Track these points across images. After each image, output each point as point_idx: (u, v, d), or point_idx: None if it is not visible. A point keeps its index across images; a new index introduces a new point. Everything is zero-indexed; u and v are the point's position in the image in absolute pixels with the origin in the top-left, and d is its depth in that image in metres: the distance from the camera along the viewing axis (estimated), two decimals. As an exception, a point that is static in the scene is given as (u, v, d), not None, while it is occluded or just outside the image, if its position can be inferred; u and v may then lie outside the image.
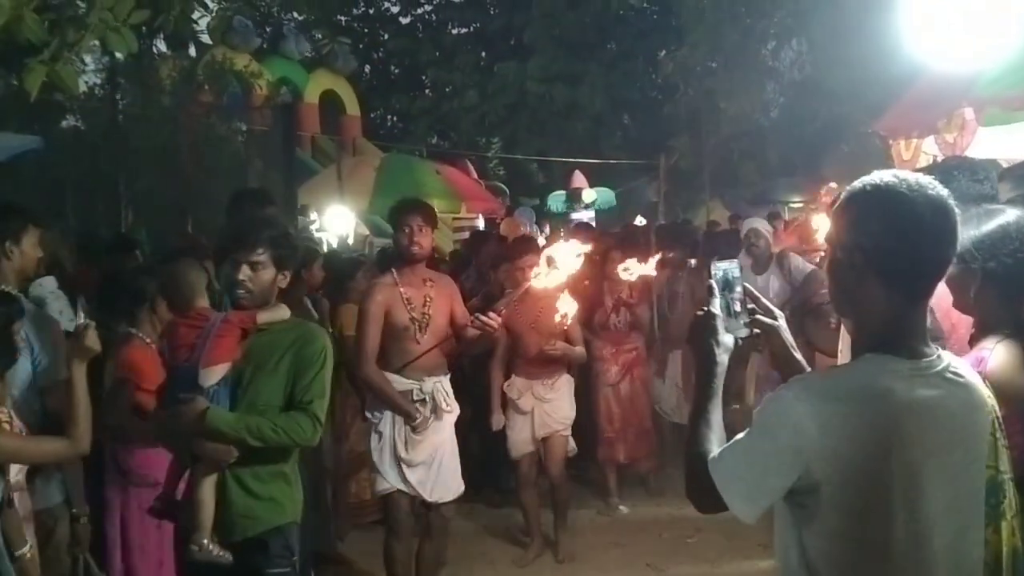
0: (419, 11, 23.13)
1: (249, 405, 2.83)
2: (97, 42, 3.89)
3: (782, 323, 1.86)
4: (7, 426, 2.82)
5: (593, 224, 12.19)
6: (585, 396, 5.72)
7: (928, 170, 2.45)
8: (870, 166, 1.67)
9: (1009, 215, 2.05)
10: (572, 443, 5.23)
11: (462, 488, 4.30)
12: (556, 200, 15.96)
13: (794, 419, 1.52)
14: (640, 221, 11.59)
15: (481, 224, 12.42)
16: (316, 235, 9.90)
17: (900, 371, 1.56)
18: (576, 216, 13.80)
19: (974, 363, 1.90)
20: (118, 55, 7.67)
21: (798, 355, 1.86)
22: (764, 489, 1.56)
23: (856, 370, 1.60)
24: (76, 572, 3.33)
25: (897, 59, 5.18)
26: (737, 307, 1.79)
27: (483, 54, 21.59)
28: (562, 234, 4.99)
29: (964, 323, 2.19)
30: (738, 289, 1.80)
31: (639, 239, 6.76)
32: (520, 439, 5.12)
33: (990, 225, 2.04)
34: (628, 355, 6.09)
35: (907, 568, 1.56)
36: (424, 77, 22.40)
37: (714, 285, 1.79)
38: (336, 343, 4.82)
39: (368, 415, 4.25)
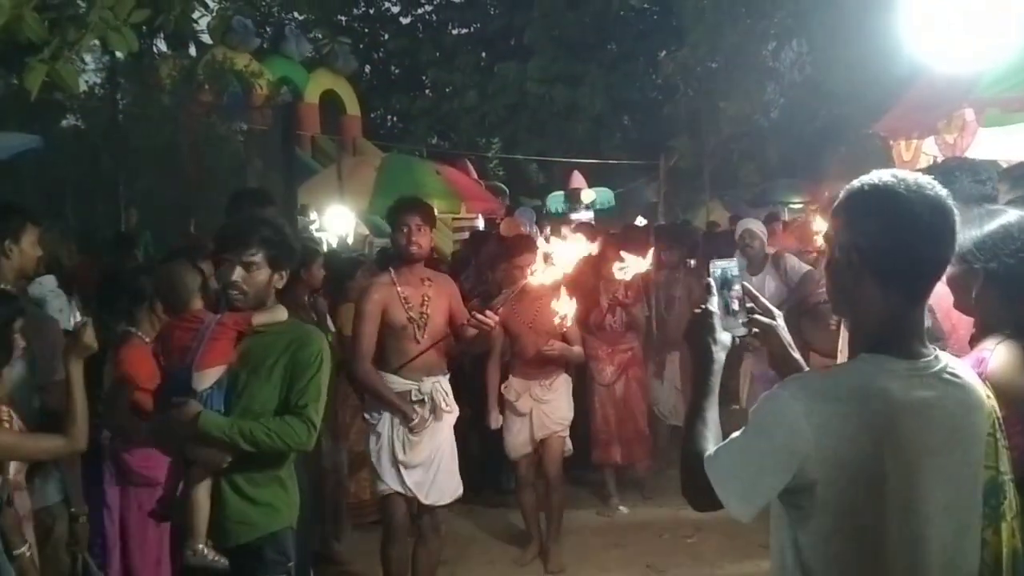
0: (419, 11, 23.14)
1: (244, 409, 2.79)
2: (97, 41, 3.89)
3: (780, 322, 1.86)
4: (6, 424, 2.83)
5: (593, 224, 12.17)
6: (580, 396, 5.72)
7: (929, 171, 2.45)
8: (870, 167, 1.67)
9: (1011, 215, 2.06)
10: (569, 443, 5.21)
11: (459, 491, 4.28)
12: (555, 200, 15.95)
13: (790, 418, 1.52)
14: (641, 221, 11.58)
15: (481, 224, 12.40)
16: (316, 235, 9.89)
17: (897, 371, 1.56)
18: (576, 217, 13.79)
19: (975, 364, 1.90)
20: (118, 54, 7.67)
21: (796, 354, 1.86)
22: (759, 488, 1.56)
23: (853, 370, 1.60)
24: (75, 571, 3.34)
25: (897, 60, 5.18)
26: (735, 306, 1.79)
27: (483, 54, 21.59)
28: (564, 234, 4.97)
29: (964, 324, 2.19)
30: (736, 288, 1.80)
31: (638, 239, 6.74)
32: (518, 441, 5.09)
33: (992, 225, 2.04)
34: (624, 355, 6.07)
35: (903, 569, 1.55)
36: (424, 77, 22.40)
37: (712, 283, 1.79)
38: (338, 343, 4.84)
39: (366, 416, 4.23)
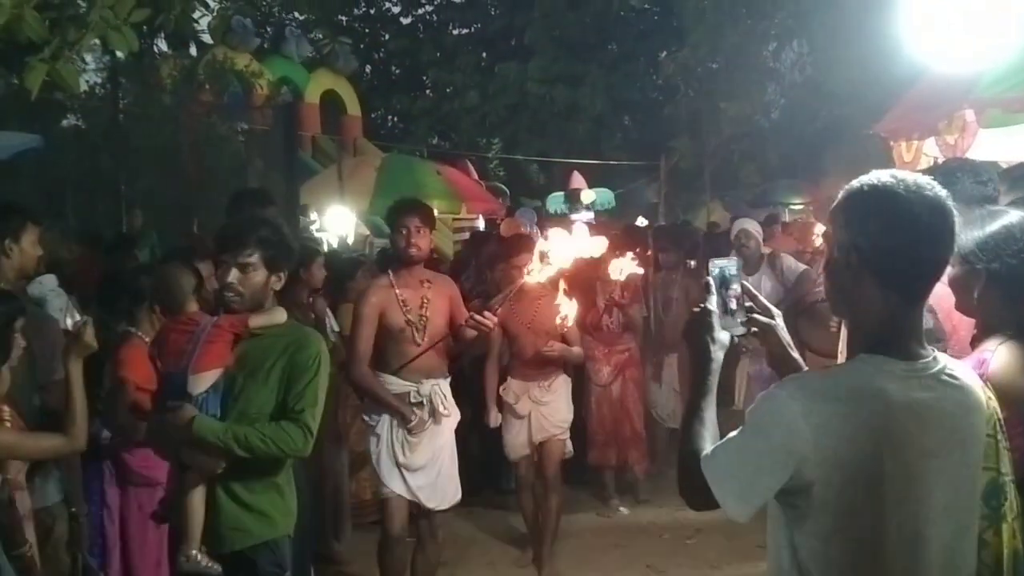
0: (420, 12, 23.12)
1: (240, 413, 2.75)
2: (98, 41, 3.89)
3: (779, 322, 1.86)
4: (7, 423, 2.83)
5: (594, 224, 12.17)
6: (577, 397, 5.69)
7: (930, 172, 2.45)
8: (871, 167, 1.66)
9: (1013, 216, 2.06)
10: (569, 445, 5.16)
11: (458, 496, 4.26)
12: (555, 201, 15.95)
13: (787, 418, 1.52)
14: (641, 222, 11.59)
15: (481, 225, 12.40)
16: (316, 235, 9.89)
17: (895, 372, 1.56)
18: (576, 217, 13.78)
19: (976, 365, 1.90)
20: (119, 54, 7.66)
21: (795, 354, 1.86)
22: (756, 488, 1.56)
23: (850, 370, 1.60)
24: (75, 571, 3.33)
25: (898, 60, 5.17)
26: (733, 305, 1.79)
27: (484, 55, 21.57)
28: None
29: (965, 325, 2.19)
30: (735, 287, 1.79)
31: (638, 239, 6.73)
32: (517, 443, 5.05)
33: (994, 226, 2.04)
34: (621, 356, 6.05)
35: (902, 569, 1.55)
36: (425, 77, 22.38)
37: (711, 282, 1.79)
38: (341, 343, 4.82)
39: (365, 418, 4.21)
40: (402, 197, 4.38)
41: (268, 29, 18.40)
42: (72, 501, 3.35)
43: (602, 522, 5.93)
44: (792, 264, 6.06)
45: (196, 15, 4.74)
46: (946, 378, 1.60)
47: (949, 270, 2.05)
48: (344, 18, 22.58)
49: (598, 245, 3.50)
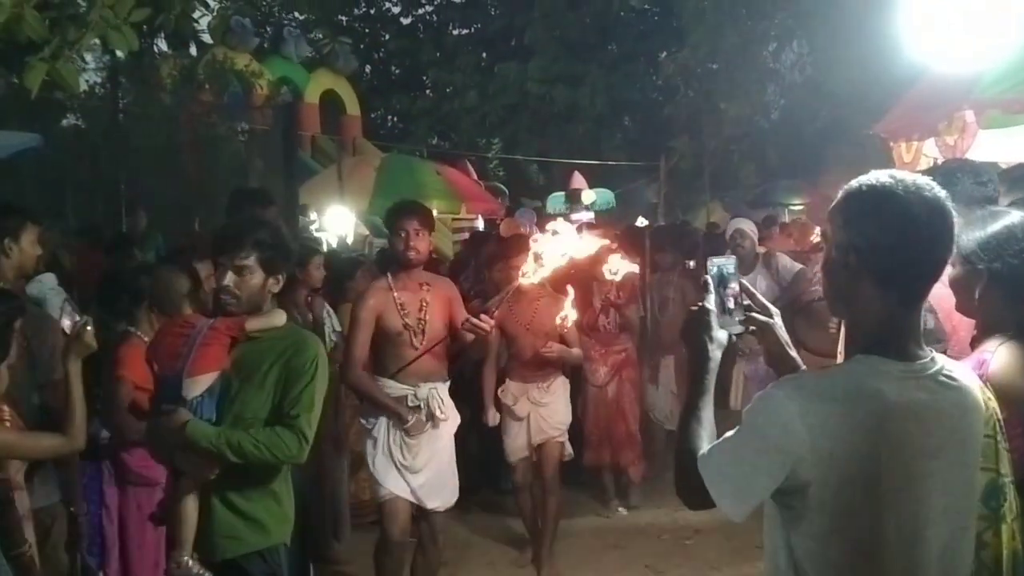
0: (420, 12, 23.12)
1: (236, 418, 2.70)
2: (98, 40, 3.88)
3: (777, 320, 1.85)
4: (7, 422, 2.83)
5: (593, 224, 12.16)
6: (573, 398, 5.67)
7: (930, 172, 2.46)
8: (871, 168, 1.66)
9: (1015, 216, 2.06)
10: (568, 448, 5.14)
11: (455, 497, 4.22)
12: (555, 201, 15.95)
13: (784, 418, 1.52)
14: (642, 222, 11.60)
15: (481, 225, 12.40)
16: (316, 235, 9.89)
17: (891, 373, 1.56)
18: (576, 217, 13.78)
19: (976, 366, 1.90)
20: (119, 54, 7.65)
21: (793, 352, 1.85)
22: (752, 488, 1.56)
23: (847, 371, 1.60)
24: (73, 570, 3.33)
25: (898, 61, 5.17)
26: (731, 304, 1.79)
27: (484, 55, 21.56)
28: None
29: (965, 325, 2.19)
30: (733, 285, 1.79)
31: (634, 240, 6.72)
32: (516, 445, 5.02)
33: (995, 226, 2.04)
34: (617, 356, 6.02)
35: (901, 570, 1.55)
36: (425, 77, 22.38)
37: (709, 281, 1.79)
38: (342, 342, 4.81)
39: (363, 421, 4.18)
40: (401, 199, 4.31)
41: (268, 29, 18.39)
42: (71, 501, 3.35)
43: (601, 523, 5.93)
44: (787, 263, 6.06)
45: (196, 15, 4.73)
46: (944, 379, 1.60)
47: (950, 270, 2.06)
48: (344, 18, 22.57)
49: (591, 244, 3.44)
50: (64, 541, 3.31)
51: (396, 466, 4.01)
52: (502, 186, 17.36)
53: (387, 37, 23.38)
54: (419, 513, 4.15)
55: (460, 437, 4.43)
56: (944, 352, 1.87)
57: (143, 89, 11.66)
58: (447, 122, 20.96)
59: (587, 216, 14.14)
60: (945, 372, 1.61)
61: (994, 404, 1.72)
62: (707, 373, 1.72)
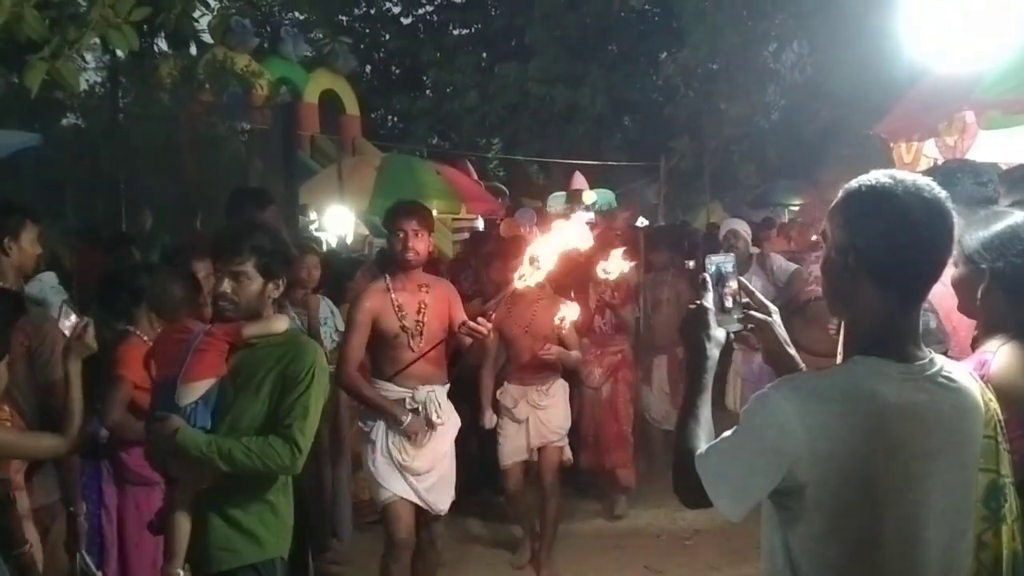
0: (420, 11, 23.10)
1: (231, 426, 2.64)
2: (98, 40, 3.88)
3: (776, 318, 1.85)
4: (7, 422, 2.83)
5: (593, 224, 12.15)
6: (570, 399, 5.64)
7: (930, 173, 2.46)
8: (871, 168, 1.66)
9: (1018, 216, 2.06)
10: (568, 453, 5.10)
11: (452, 498, 4.16)
12: (556, 201, 15.95)
13: (781, 419, 1.52)
14: (642, 222, 11.60)
15: (481, 225, 12.40)
16: (315, 234, 9.88)
17: (889, 374, 1.55)
18: (575, 217, 13.76)
19: (977, 366, 1.90)
20: (119, 53, 7.65)
21: (791, 350, 1.85)
22: (749, 488, 1.56)
23: (845, 372, 1.60)
24: (72, 569, 3.33)
25: (898, 61, 5.19)
26: (729, 302, 1.78)
27: (484, 55, 21.55)
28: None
29: (965, 325, 2.19)
30: (731, 284, 1.79)
31: (632, 239, 6.71)
32: (513, 447, 4.97)
33: (999, 225, 2.04)
34: (613, 358, 5.97)
35: (898, 571, 1.55)
36: (425, 77, 22.36)
37: (708, 279, 1.78)
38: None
39: (361, 424, 4.13)
40: (400, 199, 4.24)
41: (267, 29, 18.39)
42: (70, 500, 3.35)
43: (600, 523, 5.92)
44: (783, 264, 6.07)
45: (196, 14, 4.72)
46: (943, 380, 1.60)
47: (953, 270, 2.06)
48: (344, 18, 22.55)
49: (583, 238, 3.37)
50: (63, 540, 3.31)
51: (397, 468, 3.95)
52: (502, 186, 17.35)
53: (387, 37, 23.36)
54: (419, 516, 4.09)
55: (459, 438, 4.42)
56: (945, 353, 1.87)
57: (143, 89, 11.66)
58: (447, 122, 20.95)
59: (587, 217, 14.14)
60: (944, 373, 1.61)
61: (995, 405, 1.71)
62: (705, 372, 1.72)
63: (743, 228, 6.26)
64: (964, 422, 1.62)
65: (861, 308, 1.61)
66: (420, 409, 3.95)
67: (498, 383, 5.09)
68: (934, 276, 1.61)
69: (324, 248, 8.41)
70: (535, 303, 4.80)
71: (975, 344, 2.08)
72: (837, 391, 1.54)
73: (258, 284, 2.71)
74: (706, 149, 14.53)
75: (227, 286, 2.69)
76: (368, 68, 22.93)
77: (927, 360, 1.60)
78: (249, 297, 2.71)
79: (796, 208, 15.26)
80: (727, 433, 1.60)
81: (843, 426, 1.51)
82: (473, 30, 22.38)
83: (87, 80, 11.88)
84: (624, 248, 4.02)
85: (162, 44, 11.87)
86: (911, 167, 5.35)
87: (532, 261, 3.32)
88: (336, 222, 10.71)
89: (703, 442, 1.64)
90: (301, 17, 20.03)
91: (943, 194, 1.58)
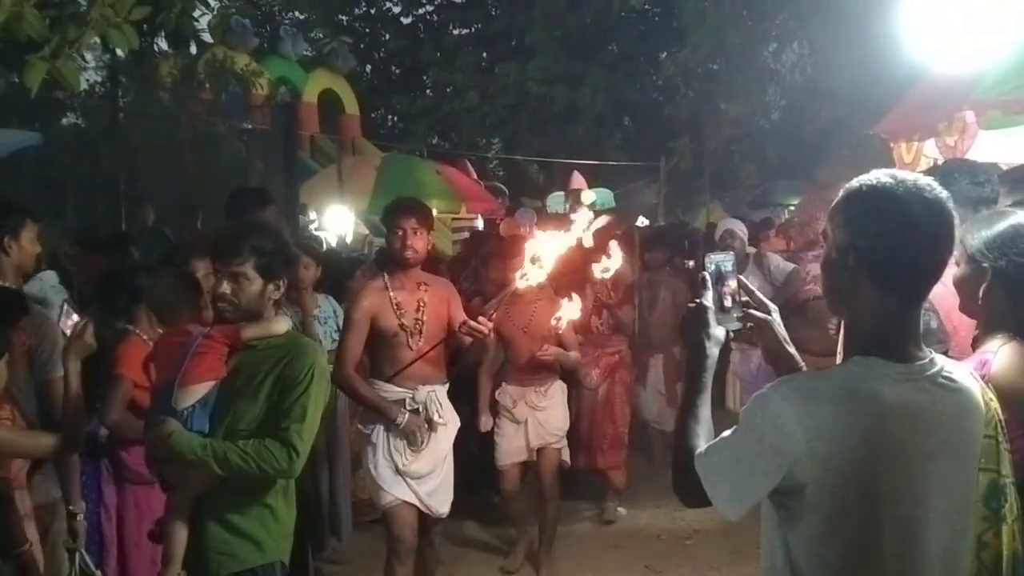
0: (420, 11, 23.10)
1: (229, 429, 2.60)
2: (98, 39, 3.88)
3: (775, 317, 1.85)
4: (7, 421, 2.83)
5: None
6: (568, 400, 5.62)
7: (928, 173, 2.46)
8: (871, 168, 1.66)
9: (1020, 216, 2.07)
10: (566, 454, 5.08)
11: (451, 498, 4.14)
12: (555, 201, 15.94)
13: (781, 420, 1.52)
14: (643, 222, 11.61)
15: (480, 225, 12.40)
16: (315, 234, 9.88)
17: (890, 374, 1.55)
18: (575, 217, 13.75)
19: (977, 366, 1.90)
20: (119, 52, 7.65)
21: (791, 349, 1.85)
22: (749, 488, 1.56)
23: (845, 372, 1.60)
24: (72, 568, 3.33)
25: (898, 62, 5.18)
26: (729, 301, 1.78)
27: (484, 55, 21.55)
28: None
29: (966, 325, 2.19)
30: (730, 282, 1.79)
31: (628, 238, 6.69)
32: (512, 447, 4.95)
33: (1001, 225, 2.05)
34: (610, 358, 5.94)
35: (897, 572, 1.55)
36: (425, 77, 22.37)
37: (707, 277, 1.78)
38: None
39: (360, 427, 4.10)
40: (398, 198, 4.20)
41: (267, 28, 18.40)
42: (69, 498, 3.35)
43: (600, 523, 5.92)
44: (780, 263, 6.07)
45: (196, 14, 4.72)
46: (943, 380, 1.60)
47: (955, 270, 2.06)
48: (344, 18, 22.54)
49: (581, 232, 3.34)
50: (62, 538, 3.31)
51: (399, 472, 3.91)
52: (502, 186, 17.35)
53: (387, 37, 23.36)
54: (419, 519, 4.05)
55: (459, 437, 4.41)
56: (945, 353, 1.87)
57: (143, 88, 11.66)
58: (447, 122, 20.95)
59: (588, 215, 14.13)
60: (944, 373, 1.61)
61: (995, 405, 1.71)
62: (705, 371, 1.72)
63: (739, 228, 6.27)
64: (964, 422, 1.61)
65: (861, 308, 1.61)
66: (421, 410, 3.93)
67: (496, 383, 5.07)
68: (935, 276, 1.61)
69: (324, 248, 8.38)
70: (534, 303, 4.78)
71: (975, 344, 2.08)
72: (837, 391, 1.54)
73: (258, 285, 2.68)
74: (706, 149, 14.52)
75: (226, 287, 2.65)
76: (368, 68, 22.93)
77: (927, 360, 1.60)
78: (249, 298, 2.67)
79: (794, 207, 15.25)
80: (727, 433, 1.60)
81: (843, 426, 1.51)
82: (473, 30, 22.37)
83: (87, 79, 11.89)
84: (619, 243, 3.99)
85: (162, 43, 11.87)
86: (911, 167, 5.35)
87: (534, 260, 3.30)
88: (336, 222, 10.71)
89: (703, 441, 1.64)
90: (301, 17, 20.02)
91: (944, 194, 1.58)
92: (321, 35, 18.17)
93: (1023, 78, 4.42)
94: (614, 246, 3.31)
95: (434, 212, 4.74)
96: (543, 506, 5.03)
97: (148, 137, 10.51)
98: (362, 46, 22.00)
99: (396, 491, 3.92)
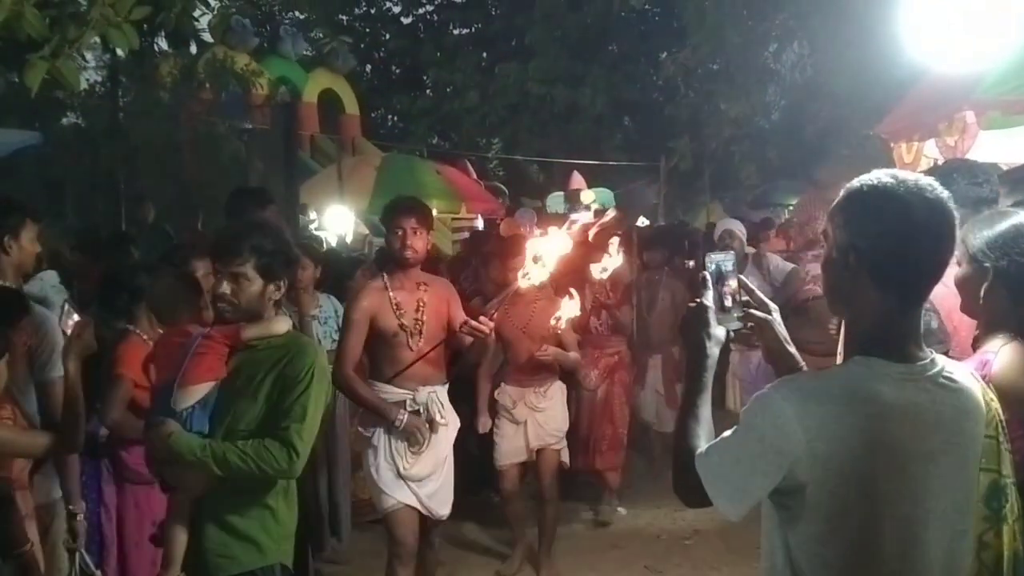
0: (421, 11, 23.10)
1: (228, 430, 2.59)
2: (98, 39, 3.87)
3: (776, 316, 1.85)
4: (8, 420, 2.83)
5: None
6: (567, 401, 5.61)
7: (929, 173, 2.46)
8: (871, 168, 1.66)
9: (1022, 216, 2.07)
10: (566, 456, 5.07)
11: (451, 499, 4.13)
12: (555, 201, 15.93)
13: (781, 420, 1.52)
14: (643, 222, 11.60)
15: (480, 225, 12.41)
16: (316, 234, 9.88)
17: (890, 374, 1.55)
18: (575, 217, 13.77)
19: (978, 366, 1.90)
20: (119, 52, 7.65)
21: (792, 348, 1.85)
22: (749, 488, 1.56)
23: (845, 372, 1.60)
24: (72, 568, 3.33)
25: (898, 62, 5.19)
26: (729, 301, 1.78)
27: (484, 55, 21.54)
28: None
29: (966, 325, 2.19)
30: (731, 282, 1.79)
31: (630, 239, 6.69)
32: (511, 448, 4.94)
33: (1003, 225, 2.05)
34: (610, 359, 5.93)
35: (897, 572, 1.55)
36: (425, 77, 22.35)
37: (708, 277, 1.78)
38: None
39: (360, 429, 4.09)
40: (398, 197, 4.19)
41: (267, 28, 18.39)
42: (69, 498, 3.35)
43: (600, 523, 5.91)
44: (779, 263, 6.07)
45: (196, 13, 4.71)
46: (943, 381, 1.60)
47: (957, 269, 2.06)
48: (344, 17, 22.54)
49: (589, 229, 3.33)
50: (63, 538, 3.31)
51: (400, 475, 3.90)
52: (502, 186, 17.35)
53: (387, 37, 23.36)
54: (420, 521, 4.03)
55: (459, 438, 4.41)
56: (946, 353, 1.87)
57: (143, 87, 11.64)
58: (447, 122, 20.94)
59: (587, 216, 14.13)
60: (945, 374, 1.60)
61: (996, 405, 1.71)
62: (705, 371, 1.71)
63: (738, 228, 6.27)
64: (965, 422, 1.61)
65: (861, 308, 1.61)
66: (422, 410, 3.91)
67: (495, 384, 5.05)
68: (935, 276, 1.61)
69: (324, 247, 8.39)
70: (533, 303, 4.77)
71: (976, 344, 2.08)
72: (837, 392, 1.54)
73: (258, 285, 2.66)
74: (706, 149, 14.51)
75: (226, 287, 2.64)
76: (368, 68, 22.92)
77: (928, 360, 1.60)
78: (249, 298, 2.66)
79: (794, 207, 15.24)
80: (727, 433, 1.60)
81: (843, 427, 1.51)
82: (473, 30, 22.37)
83: (87, 79, 11.87)
84: (618, 241, 3.99)
85: (162, 43, 11.89)
86: (911, 167, 5.35)
87: (536, 259, 3.29)
88: (336, 222, 10.72)
89: (703, 441, 1.64)
90: (301, 16, 20.02)
91: (945, 194, 1.58)
92: (321, 35, 18.15)
93: (1023, 79, 4.42)
94: (615, 244, 3.30)
95: (434, 212, 4.74)
96: (543, 507, 5.02)
97: (148, 137, 10.48)
98: (362, 46, 21.99)
99: (398, 494, 3.90)
